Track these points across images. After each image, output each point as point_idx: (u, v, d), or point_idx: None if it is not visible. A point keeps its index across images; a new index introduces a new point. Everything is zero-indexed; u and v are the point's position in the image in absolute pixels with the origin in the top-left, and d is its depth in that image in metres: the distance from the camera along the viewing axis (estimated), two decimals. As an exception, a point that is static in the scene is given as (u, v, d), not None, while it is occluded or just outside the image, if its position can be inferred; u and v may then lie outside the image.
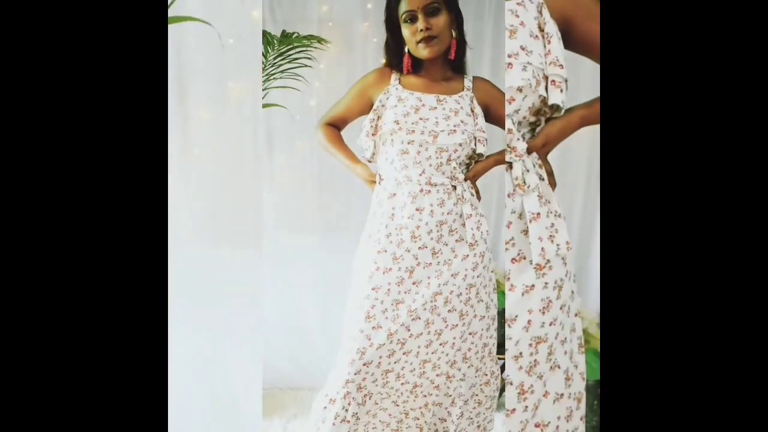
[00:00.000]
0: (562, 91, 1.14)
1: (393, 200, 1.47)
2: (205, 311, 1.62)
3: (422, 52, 1.47)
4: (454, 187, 1.46)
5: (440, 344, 1.46)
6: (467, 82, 1.54)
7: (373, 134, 1.51)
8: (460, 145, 1.45)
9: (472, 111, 1.50)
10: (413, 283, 1.44)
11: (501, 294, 2.21)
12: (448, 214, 1.45)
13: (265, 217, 2.26)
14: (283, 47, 2.00)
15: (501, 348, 2.20)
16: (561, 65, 1.13)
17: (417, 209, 1.44)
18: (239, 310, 1.64)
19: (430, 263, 1.45)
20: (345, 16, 2.32)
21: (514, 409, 1.14)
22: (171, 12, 1.43)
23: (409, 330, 1.44)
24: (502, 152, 1.50)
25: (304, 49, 2.03)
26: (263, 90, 1.97)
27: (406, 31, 1.48)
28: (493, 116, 1.55)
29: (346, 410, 1.41)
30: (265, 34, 2.02)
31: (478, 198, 1.53)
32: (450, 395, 1.51)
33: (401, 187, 1.46)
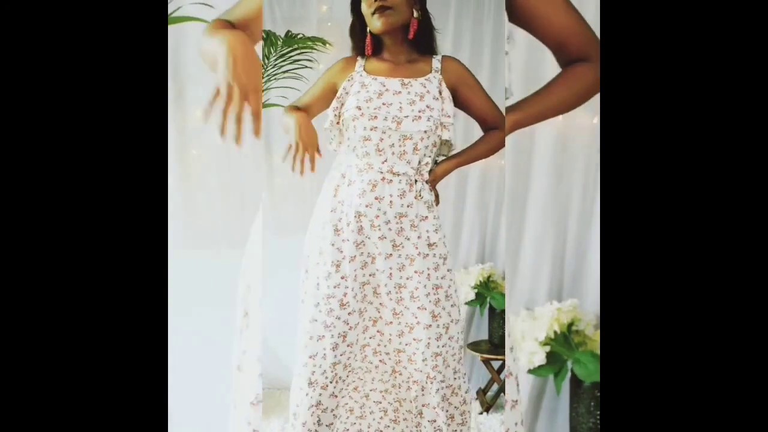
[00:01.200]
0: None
1: (352, 188, 1.44)
2: (205, 311, 1.62)
3: (376, 23, 1.44)
4: (416, 181, 1.43)
5: (414, 339, 1.45)
6: (435, 63, 1.50)
7: (337, 123, 1.48)
8: (425, 132, 1.41)
9: (440, 94, 1.46)
10: (377, 270, 1.44)
11: (500, 295, 2.21)
12: (408, 207, 1.42)
13: (264, 218, 2.26)
14: (285, 48, 2.00)
15: (501, 348, 2.21)
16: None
17: (376, 198, 1.41)
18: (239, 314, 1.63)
19: (391, 254, 1.43)
20: (344, 16, 2.31)
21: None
22: (170, 11, 1.43)
23: (378, 312, 1.45)
24: (464, 152, 1.49)
25: (306, 50, 2.03)
26: (263, 91, 1.97)
27: (363, 5, 1.46)
28: (461, 100, 1.50)
29: (332, 393, 1.44)
30: (268, 35, 2.02)
31: (437, 202, 1.50)
32: (434, 396, 1.48)
33: (362, 175, 1.43)
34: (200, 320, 1.60)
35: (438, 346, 1.45)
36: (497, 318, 2.24)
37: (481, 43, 2.31)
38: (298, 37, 2.02)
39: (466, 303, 2.27)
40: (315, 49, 2.04)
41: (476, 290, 2.24)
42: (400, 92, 1.45)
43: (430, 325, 1.44)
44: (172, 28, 1.45)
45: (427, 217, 1.43)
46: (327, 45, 2.07)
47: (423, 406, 1.51)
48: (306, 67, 2.02)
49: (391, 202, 1.41)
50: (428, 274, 1.43)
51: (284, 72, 2.02)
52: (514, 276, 1.55)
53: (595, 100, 1.24)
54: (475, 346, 2.25)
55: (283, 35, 2.04)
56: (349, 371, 1.48)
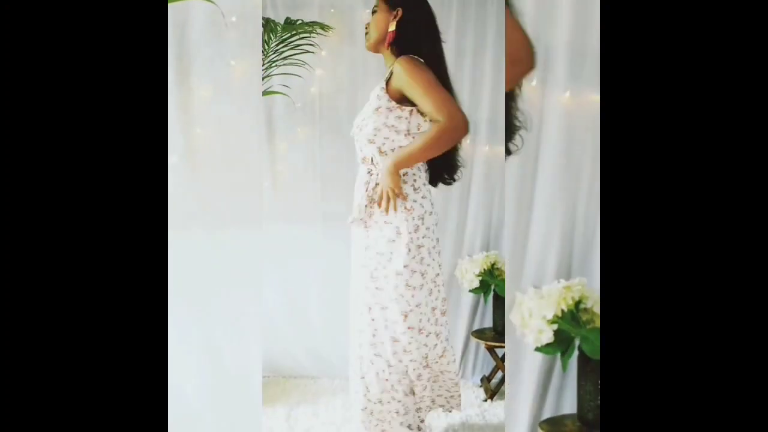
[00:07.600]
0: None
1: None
2: (205, 298, 1.60)
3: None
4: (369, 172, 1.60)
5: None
6: (393, 68, 1.54)
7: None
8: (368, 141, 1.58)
9: (378, 105, 1.55)
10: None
11: (502, 282, 2.20)
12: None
13: (266, 205, 2.25)
14: (285, 34, 2.00)
15: (502, 336, 2.20)
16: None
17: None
18: (239, 298, 1.62)
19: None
20: (346, 2, 2.31)
21: None
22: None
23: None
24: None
25: (306, 35, 2.02)
26: (265, 78, 1.96)
27: None
28: (410, 100, 1.53)
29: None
30: (268, 21, 2.02)
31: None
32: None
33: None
34: (203, 301, 1.58)
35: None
36: (501, 305, 2.22)
37: (485, 37, 2.30)
38: (298, 22, 2.02)
39: (471, 291, 2.26)
40: (314, 33, 2.03)
41: (480, 278, 2.23)
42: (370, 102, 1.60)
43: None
44: (177, 6, 1.44)
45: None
46: (326, 29, 2.07)
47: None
48: (307, 51, 2.01)
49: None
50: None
51: (285, 58, 2.01)
52: (521, 255, 1.54)
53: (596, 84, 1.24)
54: (479, 333, 2.24)
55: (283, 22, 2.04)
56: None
